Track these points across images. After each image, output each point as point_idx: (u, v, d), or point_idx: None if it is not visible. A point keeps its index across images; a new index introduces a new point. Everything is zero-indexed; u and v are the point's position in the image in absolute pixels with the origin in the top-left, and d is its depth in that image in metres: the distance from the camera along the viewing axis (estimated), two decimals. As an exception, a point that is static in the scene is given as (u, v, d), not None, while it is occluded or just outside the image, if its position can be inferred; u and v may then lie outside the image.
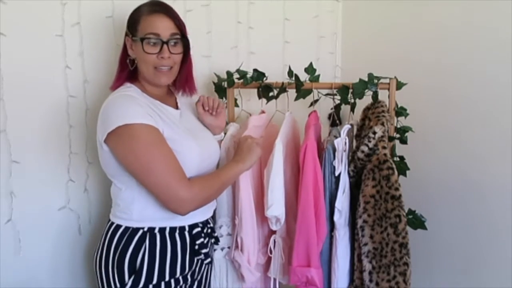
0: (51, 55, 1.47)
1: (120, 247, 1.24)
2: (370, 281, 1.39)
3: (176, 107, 1.38)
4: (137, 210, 1.26)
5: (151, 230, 1.25)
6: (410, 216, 1.53)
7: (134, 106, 1.19)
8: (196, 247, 1.31)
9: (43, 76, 1.46)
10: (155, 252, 1.25)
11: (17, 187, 1.43)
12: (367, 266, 1.39)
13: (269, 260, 1.53)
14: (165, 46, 1.24)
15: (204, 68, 1.76)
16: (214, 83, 1.69)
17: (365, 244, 1.40)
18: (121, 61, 1.34)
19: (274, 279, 1.52)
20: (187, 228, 1.30)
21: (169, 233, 1.27)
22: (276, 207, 1.38)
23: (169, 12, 1.27)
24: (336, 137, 1.48)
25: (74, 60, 1.51)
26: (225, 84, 1.65)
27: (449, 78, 1.72)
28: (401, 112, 1.58)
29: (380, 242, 1.38)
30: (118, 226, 1.27)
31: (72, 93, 1.52)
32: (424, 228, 1.54)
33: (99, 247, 1.31)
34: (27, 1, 1.40)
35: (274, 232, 1.51)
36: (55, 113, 1.50)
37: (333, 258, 1.47)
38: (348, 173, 1.47)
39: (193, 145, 1.29)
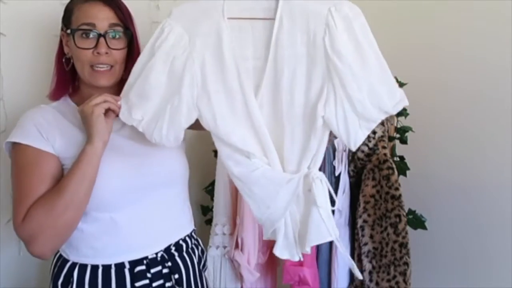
0: (51, 55, 1.47)
1: (54, 275, 1.08)
2: (370, 281, 1.39)
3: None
4: None
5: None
6: (410, 216, 1.53)
7: (26, 123, 1.04)
8: None
9: (43, 76, 1.46)
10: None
11: (17, 187, 1.43)
12: (367, 266, 1.40)
13: (269, 259, 1.53)
14: (101, 39, 1.03)
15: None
16: (214, 83, 1.68)
17: (365, 244, 1.40)
18: (57, 60, 1.15)
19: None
20: (127, 265, 1.05)
21: (102, 268, 1.04)
22: None
23: (108, 0, 1.07)
24: (336, 137, 1.48)
25: (74, 60, 1.50)
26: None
27: (449, 77, 1.72)
28: (401, 112, 1.58)
29: (380, 242, 1.38)
30: (57, 252, 1.09)
31: (72, 93, 1.52)
32: (424, 228, 1.54)
33: None
34: (27, 1, 1.40)
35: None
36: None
37: (333, 258, 1.47)
38: (348, 173, 1.47)
39: (114, 159, 1.04)
